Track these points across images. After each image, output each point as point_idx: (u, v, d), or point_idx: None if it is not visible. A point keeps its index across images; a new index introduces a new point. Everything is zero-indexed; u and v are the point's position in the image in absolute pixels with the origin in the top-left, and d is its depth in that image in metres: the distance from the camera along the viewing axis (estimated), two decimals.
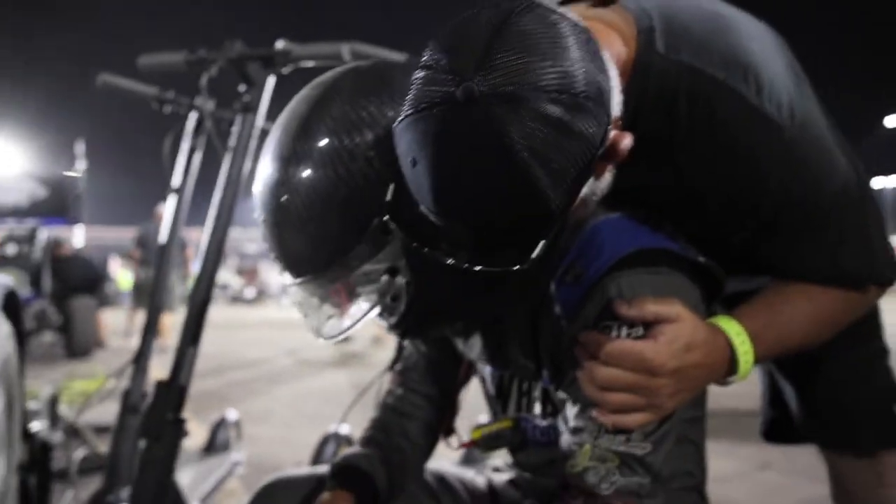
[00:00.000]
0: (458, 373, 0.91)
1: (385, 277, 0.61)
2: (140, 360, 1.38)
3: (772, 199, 0.65)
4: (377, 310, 0.63)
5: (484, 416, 0.85)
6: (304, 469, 0.94)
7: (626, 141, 0.55)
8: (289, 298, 0.69)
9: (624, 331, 0.61)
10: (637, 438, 0.62)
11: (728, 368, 0.64)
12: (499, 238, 0.55)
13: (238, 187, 1.20)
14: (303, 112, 0.63)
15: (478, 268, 0.56)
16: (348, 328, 0.65)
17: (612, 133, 0.54)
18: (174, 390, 1.07)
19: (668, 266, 0.64)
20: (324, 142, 0.60)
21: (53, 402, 2.54)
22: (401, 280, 0.61)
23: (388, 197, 0.58)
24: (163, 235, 1.48)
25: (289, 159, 0.61)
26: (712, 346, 0.62)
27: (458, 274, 0.57)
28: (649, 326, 0.61)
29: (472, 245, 0.56)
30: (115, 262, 12.40)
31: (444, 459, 1.09)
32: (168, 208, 1.50)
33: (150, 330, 1.40)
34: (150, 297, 1.44)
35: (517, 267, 0.55)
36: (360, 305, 0.63)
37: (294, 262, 0.64)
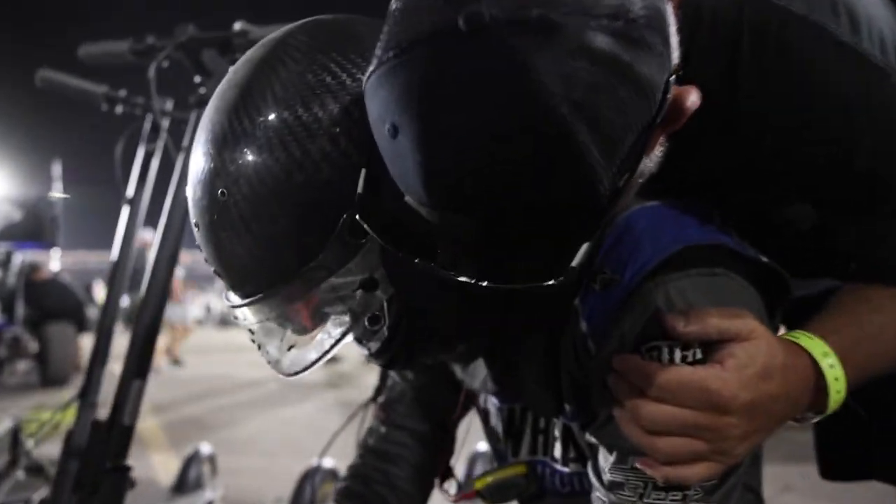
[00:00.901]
0: (456, 402, 0.75)
1: (359, 293, 0.46)
2: (87, 394, 1.20)
3: (866, 169, 0.50)
4: (352, 335, 0.48)
5: (482, 446, 0.71)
6: None
7: (693, 97, 0.39)
8: (238, 324, 0.53)
9: (678, 354, 0.46)
10: (696, 496, 0.47)
11: (812, 399, 0.49)
12: (521, 239, 0.38)
13: None
14: (243, 79, 0.47)
15: (490, 284, 0.39)
16: (315, 361, 0.49)
17: (674, 87, 0.38)
18: (116, 432, 0.90)
19: (726, 267, 0.49)
20: (271, 116, 0.45)
21: (15, 435, 2.33)
22: (380, 295, 0.46)
23: (360, 188, 0.43)
24: (114, 251, 1.31)
25: (225, 141, 0.46)
26: (793, 372, 0.47)
27: (458, 288, 0.41)
28: (709, 347, 0.46)
29: (481, 250, 0.39)
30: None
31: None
32: (121, 221, 1.33)
33: (99, 358, 1.23)
34: (99, 321, 1.26)
35: (548, 282, 0.37)
36: (330, 331, 0.48)
37: (239, 277, 0.49)
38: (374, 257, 0.45)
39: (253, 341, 0.52)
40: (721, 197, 0.55)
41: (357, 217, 0.42)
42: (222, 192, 0.45)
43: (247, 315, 0.49)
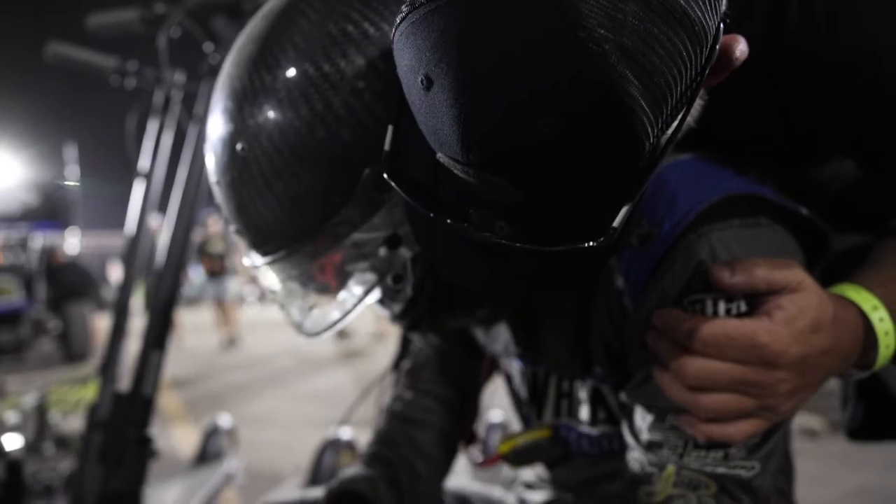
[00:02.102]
0: (480, 368, 0.74)
1: (383, 250, 0.45)
2: (107, 368, 1.21)
3: None
4: (375, 294, 0.47)
5: (497, 415, 0.70)
6: (295, 494, 0.78)
7: (742, 47, 0.36)
8: (260, 285, 0.52)
9: (722, 306, 0.44)
10: (739, 455, 0.45)
11: (860, 355, 0.46)
12: (562, 199, 0.36)
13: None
14: (262, 32, 0.46)
15: (529, 246, 0.36)
16: (337, 321, 0.48)
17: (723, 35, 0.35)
18: (137, 403, 0.90)
19: (769, 218, 0.47)
20: (292, 68, 0.43)
21: (41, 411, 2.39)
22: (405, 253, 0.44)
23: (387, 145, 0.40)
24: (129, 226, 1.31)
25: (244, 96, 0.44)
26: (843, 326, 0.45)
27: (490, 249, 0.39)
28: (753, 300, 0.43)
29: (519, 211, 0.37)
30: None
31: (463, 474, 0.93)
32: (135, 196, 1.33)
33: (117, 334, 1.23)
34: (117, 296, 1.27)
35: (590, 243, 0.35)
36: (352, 290, 0.47)
37: (260, 235, 0.47)
38: (399, 213, 0.44)
39: (275, 300, 0.51)
40: (757, 154, 0.53)
41: (384, 176, 0.40)
42: (242, 148, 0.44)
43: (269, 274, 0.48)
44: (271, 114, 0.43)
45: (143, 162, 1.35)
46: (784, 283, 0.43)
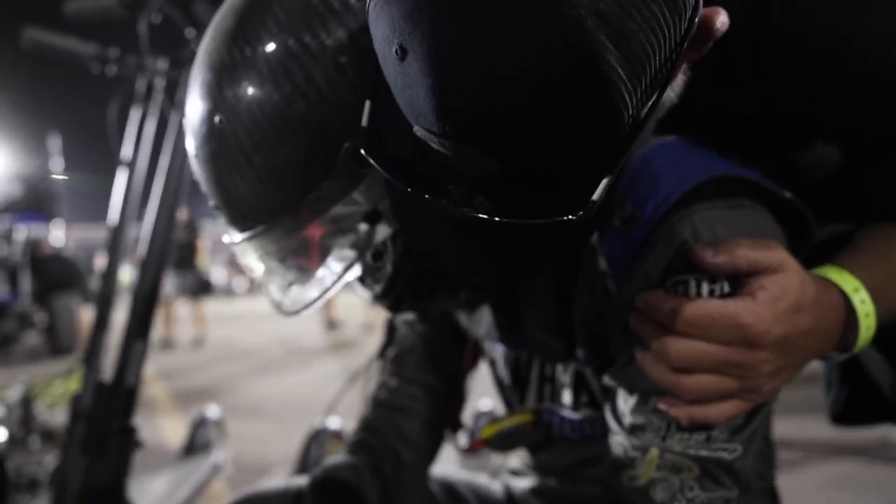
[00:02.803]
0: (464, 355, 0.74)
1: (362, 226, 0.44)
2: (91, 359, 1.19)
3: None
4: (354, 272, 0.46)
5: (486, 403, 0.70)
6: (280, 481, 0.77)
7: (722, 18, 0.36)
8: (239, 261, 0.51)
9: (705, 287, 0.44)
10: (721, 437, 0.45)
11: (841, 336, 0.47)
12: (541, 171, 0.35)
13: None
14: (242, 4, 0.45)
15: (506, 220, 0.36)
16: (316, 299, 0.47)
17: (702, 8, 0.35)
18: (120, 393, 0.90)
19: (752, 199, 0.47)
20: (272, 41, 0.43)
21: (26, 404, 2.36)
22: (384, 230, 0.44)
23: (364, 120, 0.40)
24: (113, 217, 1.29)
25: (223, 68, 0.44)
26: (825, 307, 0.45)
27: (468, 226, 0.39)
28: (736, 281, 0.43)
29: (497, 184, 0.36)
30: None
31: (449, 462, 0.93)
32: (117, 186, 1.31)
33: (101, 325, 1.22)
34: (100, 287, 1.25)
35: (569, 217, 0.35)
36: (332, 267, 0.46)
37: (239, 210, 0.47)
38: (379, 188, 0.43)
39: (254, 278, 0.51)
40: (740, 137, 0.53)
41: (362, 151, 0.39)
42: (220, 121, 0.44)
43: (248, 251, 0.48)
44: (250, 86, 0.43)
45: (126, 151, 1.33)
46: (767, 264, 0.43)
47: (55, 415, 2.68)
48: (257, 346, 5.77)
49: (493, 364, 0.69)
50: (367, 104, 0.40)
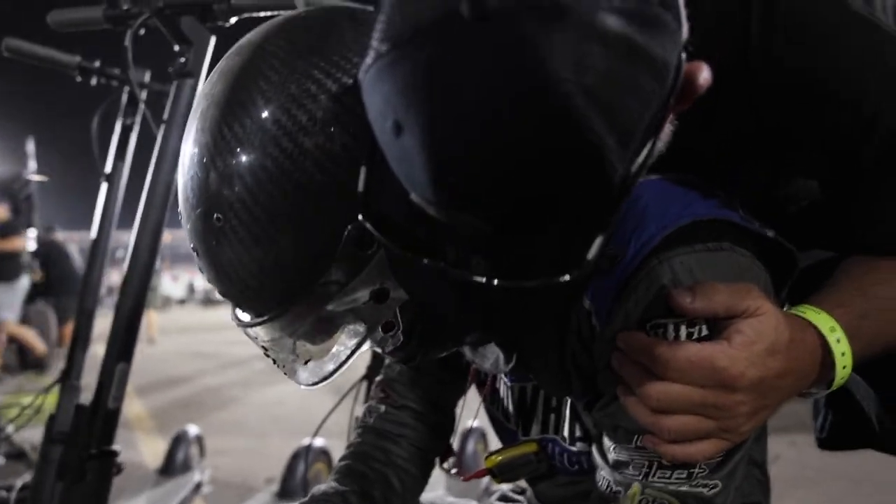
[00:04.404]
0: (457, 381, 0.73)
1: (371, 304, 0.45)
2: (69, 377, 1.16)
3: (877, 137, 0.49)
4: (366, 345, 0.48)
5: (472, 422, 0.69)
6: None
7: (705, 74, 0.38)
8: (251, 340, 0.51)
9: (683, 330, 0.45)
10: (702, 473, 0.46)
11: (818, 375, 0.48)
12: (534, 234, 0.36)
13: (175, 169, 1.00)
14: (222, 95, 0.45)
15: (503, 282, 0.37)
16: (332, 372, 0.49)
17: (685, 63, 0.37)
18: (100, 416, 0.87)
19: (732, 241, 0.48)
20: (257, 133, 0.43)
21: None
22: (392, 304, 0.45)
23: (360, 186, 0.40)
24: (93, 230, 1.26)
25: (213, 163, 0.44)
26: (801, 347, 0.46)
27: (468, 288, 0.40)
28: (714, 324, 0.45)
29: (492, 247, 0.38)
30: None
31: (435, 487, 0.92)
32: (99, 198, 1.28)
33: (81, 341, 1.19)
34: (79, 302, 1.22)
35: (565, 277, 0.36)
36: (345, 342, 0.48)
37: (245, 300, 0.47)
38: (384, 266, 0.44)
39: (267, 355, 0.51)
40: (724, 172, 0.54)
41: (360, 225, 0.40)
42: (217, 218, 0.43)
43: (258, 333, 0.48)
44: (243, 183, 0.43)
45: (108, 164, 1.31)
46: (743, 308, 0.44)
47: (24, 434, 2.61)
48: (239, 358, 5.68)
49: (493, 395, 0.69)
50: (363, 171, 0.40)
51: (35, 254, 5.91)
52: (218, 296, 0.48)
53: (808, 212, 0.57)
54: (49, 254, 5.81)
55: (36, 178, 6.38)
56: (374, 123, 0.37)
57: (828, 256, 0.58)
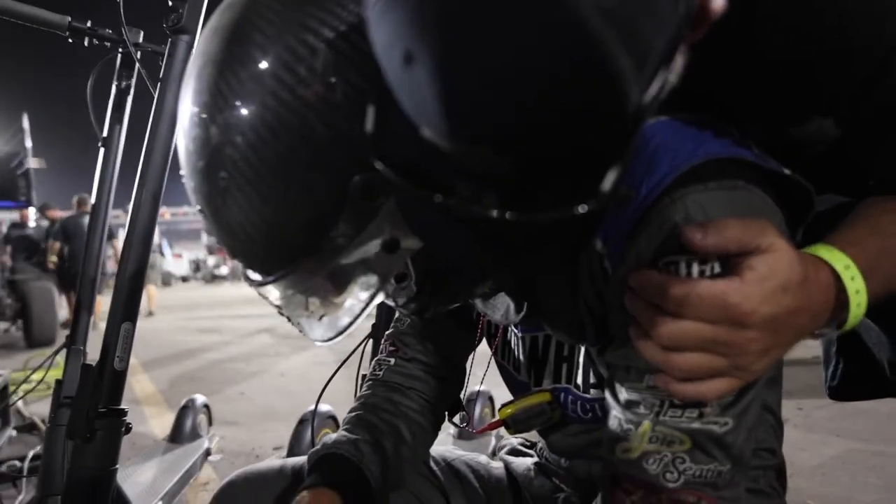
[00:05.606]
0: (468, 335, 0.73)
1: (383, 255, 0.44)
2: (74, 341, 1.16)
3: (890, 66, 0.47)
4: (380, 297, 0.47)
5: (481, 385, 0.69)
6: (276, 461, 0.76)
7: (719, 0, 0.37)
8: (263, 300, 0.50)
9: (695, 267, 0.44)
10: (713, 412, 0.46)
11: (832, 314, 0.47)
12: (550, 165, 0.36)
13: (173, 128, 0.97)
14: (217, 53, 0.43)
15: (519, 215, 0.36)
16: (347, 327, 0.48)
17: None
18: (107, 376, 0.87)
19: (746, 180, 0.47)
20: (256, 90, 0.42)
21: (3, 393, 2.30)
22: (403, 254, 0.44)
23: (369, 126, 0.39)
24: (93, 195, 1.25)
25: (213, 122, 0.42)
26: (814, 285, 0.45)
27: (481, 225, 0.40)
28: (727, 261, 0.44)
29: (508, 180, 0.37)
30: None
31: (443, 442, 0.92)
32: (98, 163, 1.26)
33: (84, 308, 1.19)
34: (82, 268, 1.21)
35: (581, 209, 0.35)
36: (358, 295, 0.47)
37: (255, 259, 0.47)
38: (393, 215, 0.43)
39: (281, 314, 0.50)
40: (738, 114, 0.52)
41: (368, 176, 0.39)
42: (223, 178, 0.42)
43: (269, 292, 0.48)
44: (246, 139, 0.42)
45: (104, 127, 1.28)
46: (755, 245, 0.43)
47: (33, 407, 2.63)
48: (244, 332, 5.72)
49: (505, 347, 0.68)
50: (371, 110, 0.39)
51: (57, 229, 5.94)
52: (220, 272, 0.47)
53: (824, 157, 0.55)
54: (68, 227, 5.84)
55: (35, 164, 6.34)
56: (382, 57, 0.35)
57: (843, 201, 0.57)
